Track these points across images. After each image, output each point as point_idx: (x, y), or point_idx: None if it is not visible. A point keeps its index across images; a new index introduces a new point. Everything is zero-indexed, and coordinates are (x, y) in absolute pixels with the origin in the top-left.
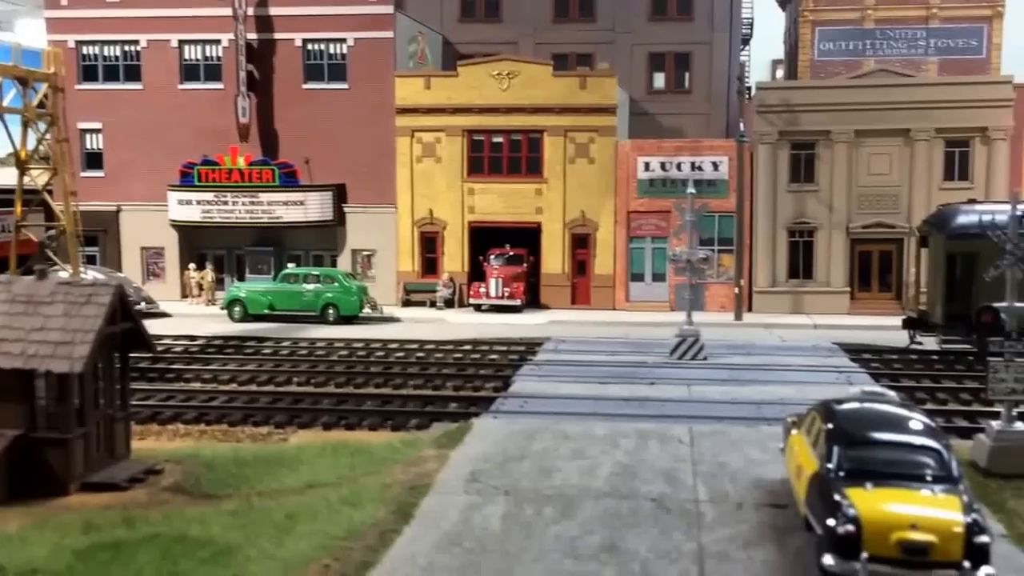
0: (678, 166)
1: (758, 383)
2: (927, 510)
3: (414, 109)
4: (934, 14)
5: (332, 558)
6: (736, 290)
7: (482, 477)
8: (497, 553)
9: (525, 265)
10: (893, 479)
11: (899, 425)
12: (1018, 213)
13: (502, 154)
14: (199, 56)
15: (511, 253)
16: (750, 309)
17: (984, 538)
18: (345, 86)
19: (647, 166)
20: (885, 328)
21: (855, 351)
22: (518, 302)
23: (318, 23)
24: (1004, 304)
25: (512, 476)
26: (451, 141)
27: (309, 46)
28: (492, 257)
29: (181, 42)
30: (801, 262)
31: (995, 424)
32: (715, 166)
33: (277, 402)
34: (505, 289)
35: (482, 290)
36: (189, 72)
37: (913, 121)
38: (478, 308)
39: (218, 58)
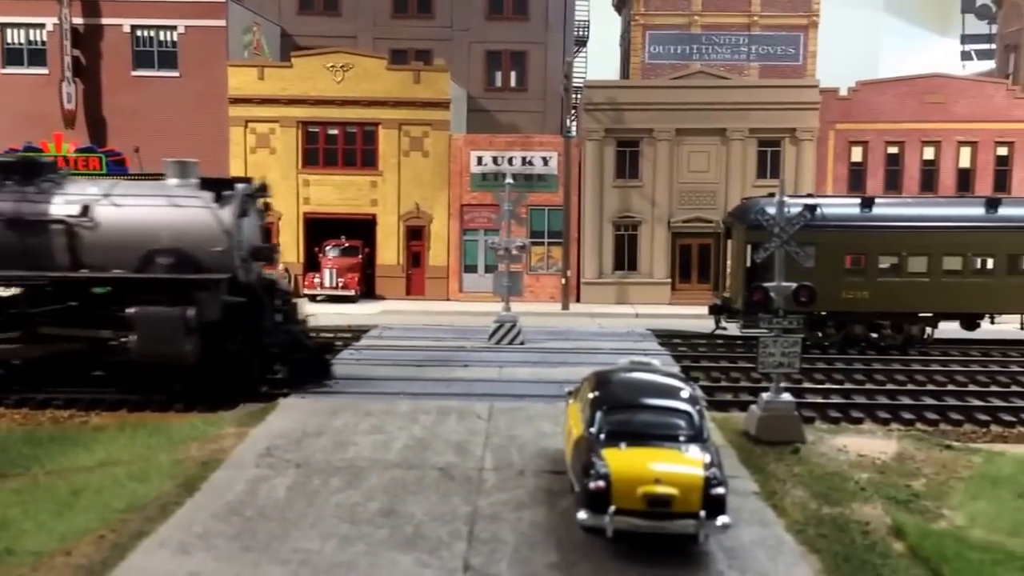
0: (509, 160)
1: (567, 365)
2: (671, 466)
3: (248, 99)
4: (755, 22)
5: (109, 529)
6: (563, 281)
7: (276, 452)
8: (275, 520)
9: (360, 256)
10: (647, 439)
11: (656, 391)
12: (787, 201)
13: (337, 146)
14: (22, 40)
15: (346, 244)
16: (578, 299)
17: (720, 490)
18: (176, 74)
19: (480, 160)
20: (700, 316)
21: (666, 336)
22: (352, 292)
23: (147, 9)
24: (773, 284)
25: (307, 450)
26: (286, 132)
27: (138, 32)
28: (327, 248)
29: (3, 25)
30: (626, 255)
31: (765, 396)
32: (545, 161)
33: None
34: (339, 279)
35: (316, 280)
36: (12, 56)
37: (729, 121)
38: (313, 298)
39: (42, 42)
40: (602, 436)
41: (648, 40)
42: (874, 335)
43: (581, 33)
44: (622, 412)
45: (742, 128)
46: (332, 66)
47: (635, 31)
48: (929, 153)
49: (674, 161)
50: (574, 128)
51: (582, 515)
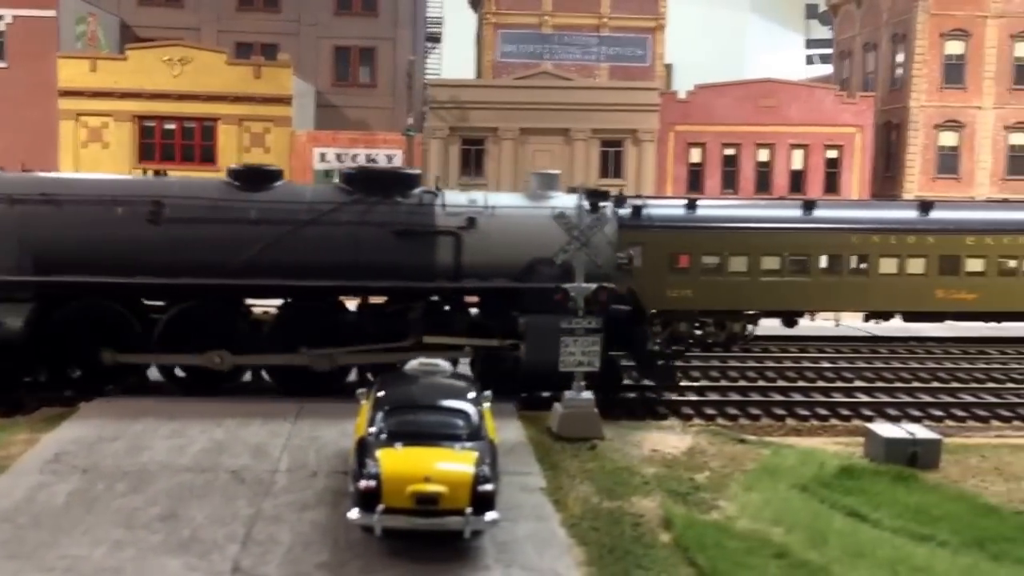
0: (353, 158)
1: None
2: (442, 464)
3: (79, 92)
4: (605, 23)
5: None
6: None
7: (65, 458)
8: (47, 528)
9: None
10: (425, 439)
11: (437, 392)
12: (586, 204)
13: (175, 141)
14: None
15: None
16: None
17: (488, 487)
18: (3, 65)
19: (323, 157)
20: None
21: None
22: None
23: None
24: (573, 284)
25: (98, 456)
26: (119, 127)
27: None
28: None
29: None
30: None
31: (568, 393)
32: (389, 159)
33: None
34: None
35: None
36: None
37: (573, 122)
38: None
39: None
40: (382, 436)
41: (500, 39)
42: (698, 332)
43: (434, 30)
44: (402, 413)
45: (585, 128)
46: (169, 59)
47: (486, 30)
48: (764, 155)
49: (519, 160)
50: (421, 126)
51: (353, 514)
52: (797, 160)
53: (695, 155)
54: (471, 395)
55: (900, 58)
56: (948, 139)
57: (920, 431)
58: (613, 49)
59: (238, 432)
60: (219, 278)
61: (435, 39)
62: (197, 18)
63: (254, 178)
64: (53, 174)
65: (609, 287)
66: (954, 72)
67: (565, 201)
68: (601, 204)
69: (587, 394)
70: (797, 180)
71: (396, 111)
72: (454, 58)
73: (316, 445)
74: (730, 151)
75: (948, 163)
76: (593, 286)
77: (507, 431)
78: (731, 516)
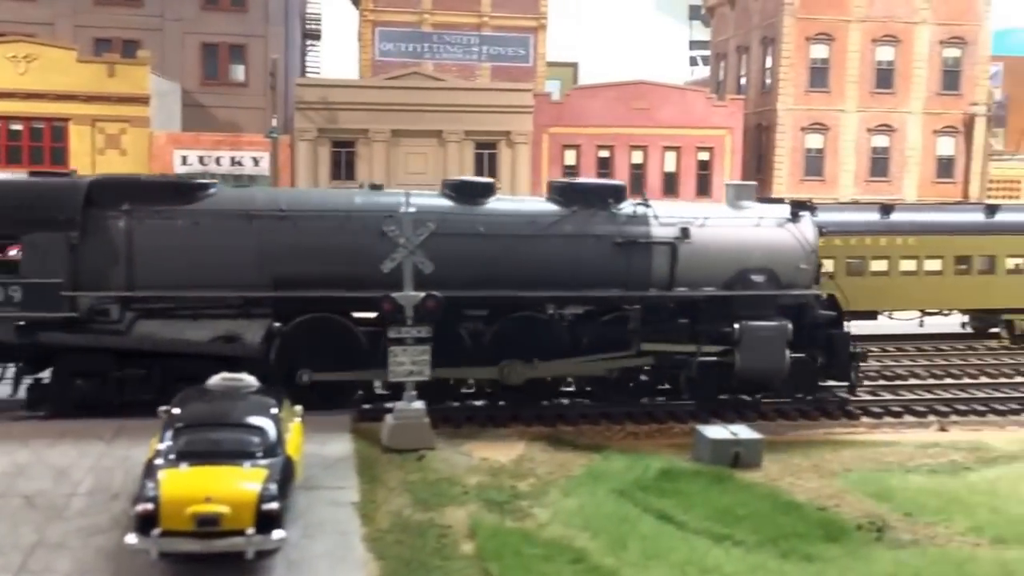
0: (217, 160)
1: None
2: (226, 483)
3: None
4: (486, 22)
5: None
6: None
7: None
8: None
9: None
10: (213, 457)
11: (234, 408)
12: (412, 209)
13: (22, 143)
14: None
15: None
16: None
17: (272, 505)
18: None
19: (184, 160)
20: None
21: None
22: None
23: None
24: (401, 294)
25: None
26: None
27: None
28: (12, 253)
29: None
30: None
31: (398, 404)
32: (255, 161)
33: None
34: None
35: None
36: None
37: (445, 123)
38: None
39: None
40: (171, 456)
41: (378, 37)
42: None
43: (313, 27)
44: (193, 431)
45: (458, 130)
46: (14, 56)
47: (364, 27)
48: (637, 157)
49: (391, 162)
50: (289, 127)
51: (130, 539)
52: (670, 162)
53: (570, 157)
54: (272, 411)
55: (769, 61)
56: (814, 141)
57: (744, 431)
58: (495, 49)
59: (44, 453)
60: (448, 290)
61: (315, 36)
62: (51, 12)
63: (474, 192)
64: (286, 189)
65: (441, 296)
66: (819, 76)
67: (764, 211)
68: (801, 212)
69: (418, 404)
70: (671, 182)
71: (269, 111)
72: (338, 56)
73: (127, 466)
74: (604, 153)
75: (814, 165)
76: (422, 295)
77: (335, 445)
78: (542, 523)
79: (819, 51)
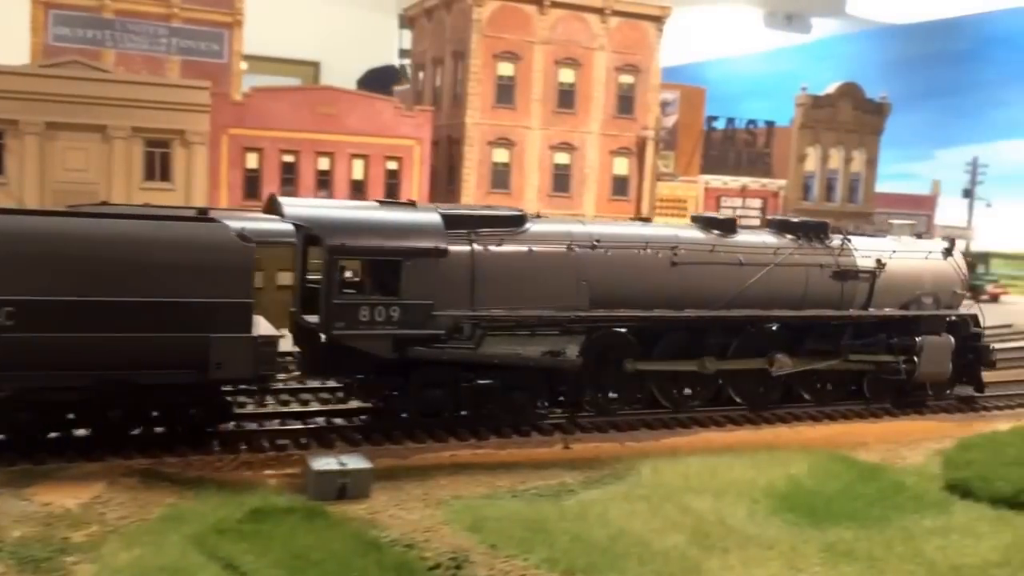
0: None
1: None
2: None
3: None
4: (175, 13)
5: None
6: None
7: None
8: None
9: None
10: None
11: None
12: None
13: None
14: None
15: None
16: None
17: None
18: None
19: None
20: None
21: None
22: None
23: None
24: None
25: None
26: None
27: None
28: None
29: None
30: None
31: None
32: None
33: None
34: None
35: None
36: None
37: (110, 118)
38: None
39: None
40: None
41: (52, 20)
42: None
43: None
44: None
45: (124, 126)
46: None
47: (36, 8)
48: (324, 163)
49: (46, 158)
50: None
51: None
52: (358, 170)
53: (252, 160)
54: None
55: (461, 75)
56: (501, 155)
57: (354, 460)
58: (185, 42)
59: None
60: (711, 310)
61: None
62: None
63: (725, 227)
64: (598, 225)
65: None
66: (506, 92)
67: (931, 245)
68: (951, 247)
69: None
70: (359, 189)
71: None
72: (9, 39)
73: None
74: (289, 158)
75: (501, 178)
76: None
77: None
78: None
79: (506, 68)
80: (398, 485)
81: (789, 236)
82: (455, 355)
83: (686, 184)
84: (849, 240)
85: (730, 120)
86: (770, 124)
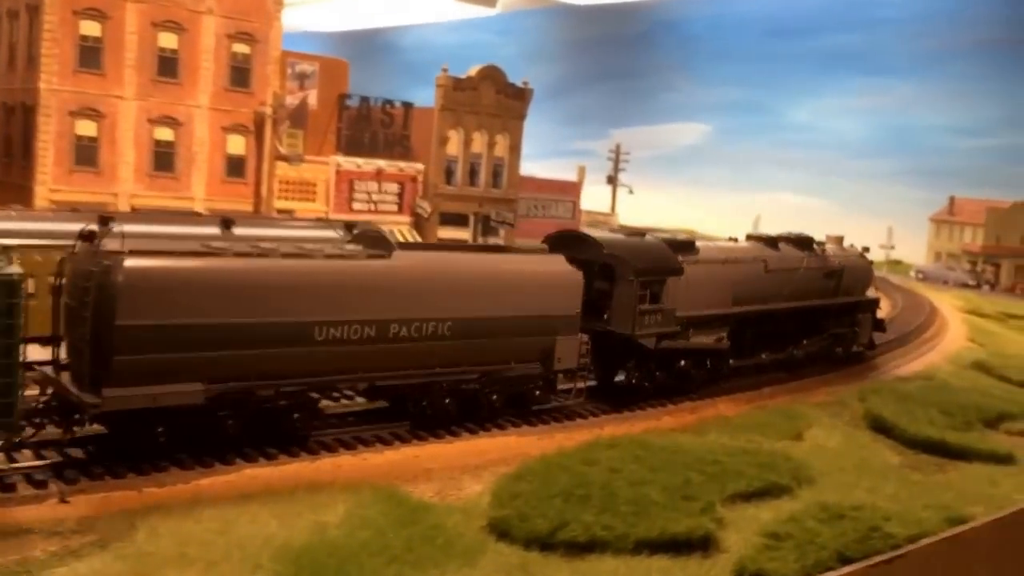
0: None
1: None
2: None
3: None
4: None
5: None
6: None
7: None
8: None
9: None
10: None
11: None
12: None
13: None
14: None
15: None
16: None
17: None
18: None
19: None
20: None
21: None
22: None
23: None
24: None
25: None
26: None
27: None
28: None
29: None
30: None
31: None
32: None
33: None
34: None
35: None
36: None
37: None
38: None
39: None
40: None
41: None
42: None
43: None
44: None
45: None
46: None
47: None
48: None
49: None
50: None
51: None
52: None
53: None
54: None
55: (36, 32)
56: (87, 128)
57: None
58: None
59: None
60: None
61: None
62: None
63: (802, 243)
64: (724, 244)
65: None
66: (91, 55)
67: (857, 248)
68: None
69: None
70: None
71: None
72: None
73: None
74: None
75: (87, 155)
76: None
77: None
78: None
79: (90, 28)
80: None
81: (797, 248)
82: (678, 344)
83: (315, 166)
84: (823, 247)
85: (364, 99)
86: (407, 105)
